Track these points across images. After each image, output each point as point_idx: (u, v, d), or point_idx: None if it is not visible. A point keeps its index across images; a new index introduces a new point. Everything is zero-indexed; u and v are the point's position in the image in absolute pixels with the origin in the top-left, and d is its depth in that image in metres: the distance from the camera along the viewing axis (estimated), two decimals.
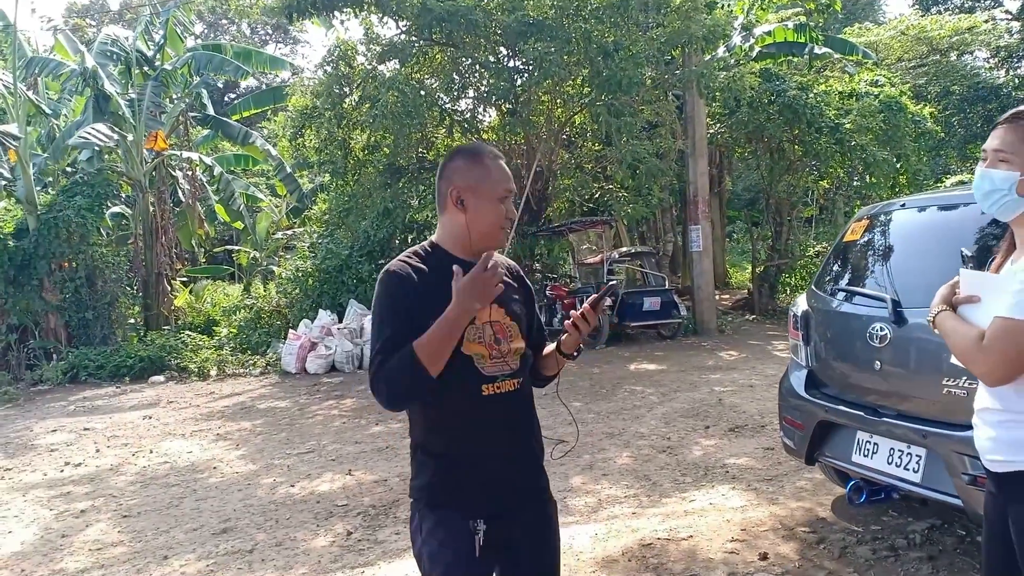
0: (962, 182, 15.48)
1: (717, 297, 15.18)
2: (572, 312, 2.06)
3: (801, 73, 15.73)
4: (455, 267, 1.85)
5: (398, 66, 12.81)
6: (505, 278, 2.06)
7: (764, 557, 3.75)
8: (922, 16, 25.04)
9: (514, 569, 2.01)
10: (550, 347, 2.17)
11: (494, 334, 1.96)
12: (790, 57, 16.08)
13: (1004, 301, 1.81)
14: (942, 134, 17.56)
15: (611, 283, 2.16)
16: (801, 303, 4.33)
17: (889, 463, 3.46)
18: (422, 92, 12.14)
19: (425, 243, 2.03)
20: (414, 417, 2.02)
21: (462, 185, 1.95)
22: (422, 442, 2.00)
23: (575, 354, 2.12)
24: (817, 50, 15.41)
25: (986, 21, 24.70)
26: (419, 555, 1.98)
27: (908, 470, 3.36)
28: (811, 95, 13.92)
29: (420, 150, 13.78)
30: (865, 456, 3.59)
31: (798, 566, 3.65)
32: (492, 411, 1.95)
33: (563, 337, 2.10)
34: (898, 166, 14.75)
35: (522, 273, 2.19)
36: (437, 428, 1.98)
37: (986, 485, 2.06)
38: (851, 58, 16.99)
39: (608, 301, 2.11)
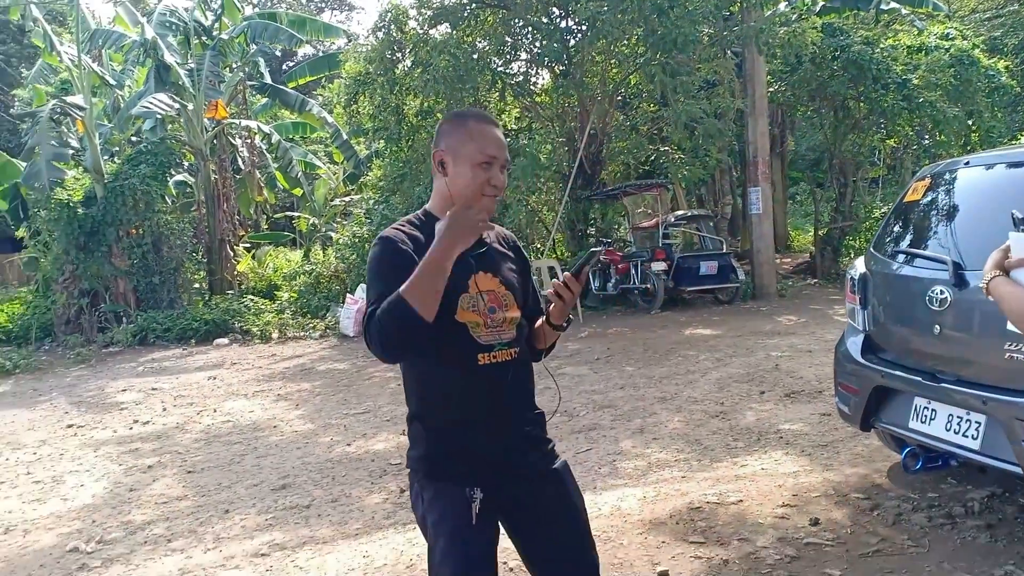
0: None
1: (778, 261, 14.87)
2: (553, 281, 2.02)
3: (867, 27, 15.11)
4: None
5: (449, 30, 12.74)
6: (500, 247, 2.06)
7: (816, 522, 3.70)
8: None
9: (535, 533, 2.01)
10: (540, 319, 2.14)
11: (488, 303, 1.94)
12: (855, 11, 15.44)
13: None
14: (1019, 89, 16.68)
15: (594, 250, 2.09)
16: (859, 266, 4.21)
17: (947, 429, 3.36)
18: (474, 56, 12.07)
19: (419, 211, 2.02)
20: (409, 387, 2.01)
21: (444, 148, 1.94)
22: (417, 413, 2.00)
23: (564, 325, 2.08)
24: (884, 4, 14.76)
25: None
26: (422, 523, 1.99)
27: (967, 437, 3.26)
28: (877, 50, 13.36)
29: None
30: (922, 422, 3.49)
31: (850, 532, 3.59)
32: (487, 380, 1.93)
33: (550, 307, 2.07)
34: (970, 123, 14.09)
35: (517, 243, 2.17)
36: (432, 398, 1.97)
37: None
38: (921, 11, 16.22)
39: (588, 268, 2.04)
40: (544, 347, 2.16)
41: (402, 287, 1.75)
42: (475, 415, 1.94)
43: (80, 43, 13.32)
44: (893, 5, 15.14)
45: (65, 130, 14.54)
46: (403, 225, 1.96)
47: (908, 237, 4.00)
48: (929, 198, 3.95)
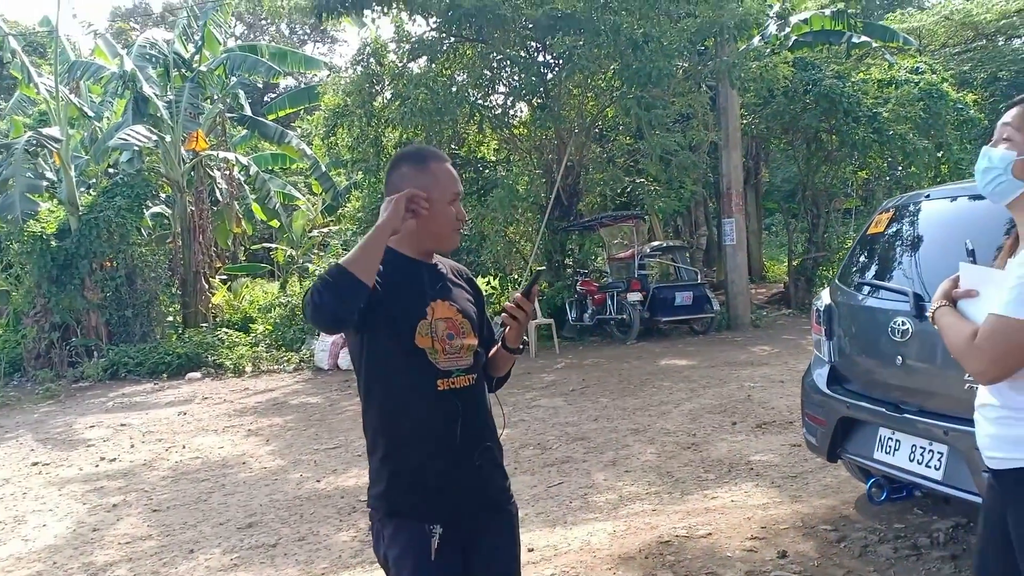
0: None
1: (753, 291, 14.97)
2: (505, 304, 2.06)
3: (839, 62, 15.40)
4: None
5: (428, 63, 12.85)
6: (456, 280, 2.12)
7: (783, 555, 3.69)
8: (967, 0, 24.31)
9: (474, 570, 2.00)
10: (496, 346, 2.17)
11: (447, 329, 1.98)
12: (827, 45, 15.75)
13: (1000, 297, 1.75)
14: (986, 122, 17.03)
15: (540, 269, 2.20)
16: (825, 297, 4.25)
17: (911, 460, 3.37)
18: (452, 89, 12.16)
19: None
20: (369, 421, 2.03)
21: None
22: (376, 447, 2.01)
23: (520, 348, 2.12)
24: (856, 38, 15.06)
25: None
26: (384, 562, 1.99)
27: (930, 467, 3.27)
28: (848, 84, 13.63)
29: (451, 146, 13.80)
30: (887, 453, 3.50)
31: (817, 564, 3.57)
32: (446, 407, 1.95)
33: (505, 330, 2.10)
34: (939, 155, 14.36)
35: (471, 276, 2.23)
36: (392, 429, 1.97)
37: (987, 480, 2.01)
38: (892, 45, 16.58)
39: (537, 288, 2.11)
40: (501, 374, 2.19)
41: (340, 259, 1.83)
42: (434, 444, 1.94)
43: (59, 75, 13.30)
44: (864, 39, 15.47)
45: (42, 162, 14.46)
46: None
47: (872, 269, 4.05)
48: (892, 230, 4.00)
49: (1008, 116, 1.85)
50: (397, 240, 1.99)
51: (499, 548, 2.04)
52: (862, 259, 4.19)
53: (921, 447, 3.32)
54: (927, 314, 2.00)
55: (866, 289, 3.88)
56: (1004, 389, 1.81)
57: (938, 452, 3.25)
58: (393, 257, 1.97)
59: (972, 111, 15.29)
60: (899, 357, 3.41)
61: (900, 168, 14.95)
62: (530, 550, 4.02)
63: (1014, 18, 22.59)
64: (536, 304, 2.06)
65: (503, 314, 2.05)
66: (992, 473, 1.92)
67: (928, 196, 3.87)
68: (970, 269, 1.93)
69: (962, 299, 1.91)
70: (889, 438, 3.49)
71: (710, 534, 4.04)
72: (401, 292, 1.92)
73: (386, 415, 1.97)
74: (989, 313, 1.76)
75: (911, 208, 3.94)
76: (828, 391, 3.91)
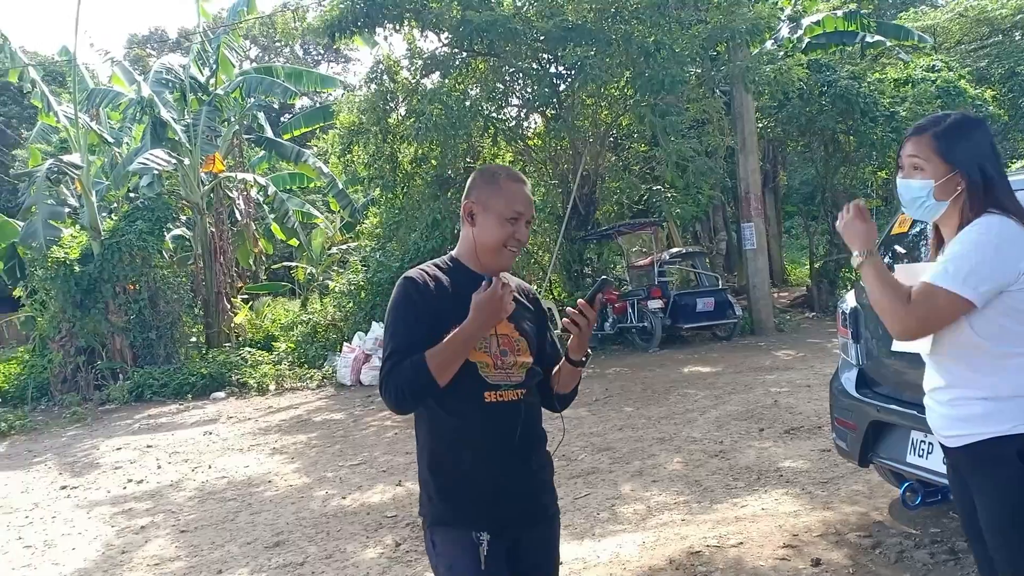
0: None
1: (775, 295, 14.86)
2: (568, 310, 2.06)
3: (853, 62, 15.31)
4: (485, 281, 1.94)
5: (441, 78, 12.91)
6: (519, 298, 2.12)
7: (816, 563, 3.62)
8: None
9: None
10: (561, 361, 2.17)
11: (500, 346, 2.01)
12: (842, 47, 15.67)
13: (932, 268, 1.96)
14: (1006, 117, 16.84)
15: (604, 278, 2.17)
16: (850, 299, 4.19)
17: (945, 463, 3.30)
18: (466, 103, 12.22)
19: (446, 256, 2.11)
20: (419, 431, 2.06)
21: (474, 200, 2.04)
22: (426, 457, 2.04)
23: (584, 359, 2.12)
24: (869, 38, 14.98)
25: None
26: (436, 571, 2.02)
27: None
28: (864, 84, 13.53)
29: (467, 160, 13.84)
30: (920, 456, 3.44)
31: (852, 572, 3.51)
32: (494, 419, 1.98)
33: (568, 342, 2.12)
34: None
35: (536, 296, 2.25)
36: (441, 439, 2.01)
37: (947, 465, 2.13)
38: (907, 43, 16.47)
39: (601, 296, 2.10)
40: (566, 391, 2.19)
41: (428, 352, 1.87)
42: (482, 454, 1.98)
43: (78, 103, 13.49)
44: (878, 39, 15.37)
45: (64, 189, 14.66)
46: (428, 267, 2.06)
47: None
48: (917, 230, 3.94)
49: (911, 148, 2.06)
50: (464, 252, 2.07)
51: (539, 557, 2.08)
52: (887, 260, 4.12)
53: None
54: (853, 261, 2.09)
55: None
56: (955, 369, 1.98)
57: (932, 431, 3.18)
58: (459, 270, 2.04)
59: (991, 107, 15.10)
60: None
61: None
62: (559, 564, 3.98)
63: None
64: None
65: (566, 320, 2.04)
66: (949, 453, 2.06)
67: None
68: (907, 268, 2.15)
69: (900, 271, 2.11)
70: (922, 441, 3.43)
71: (741, 543, 3.98)
72: (462, 307, 1.92)
73: (435, 427, 2.01)
74: (921, 280, 1.95)
75: None
76: (857, 395, 3.84)
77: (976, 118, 2.15)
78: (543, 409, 2.17)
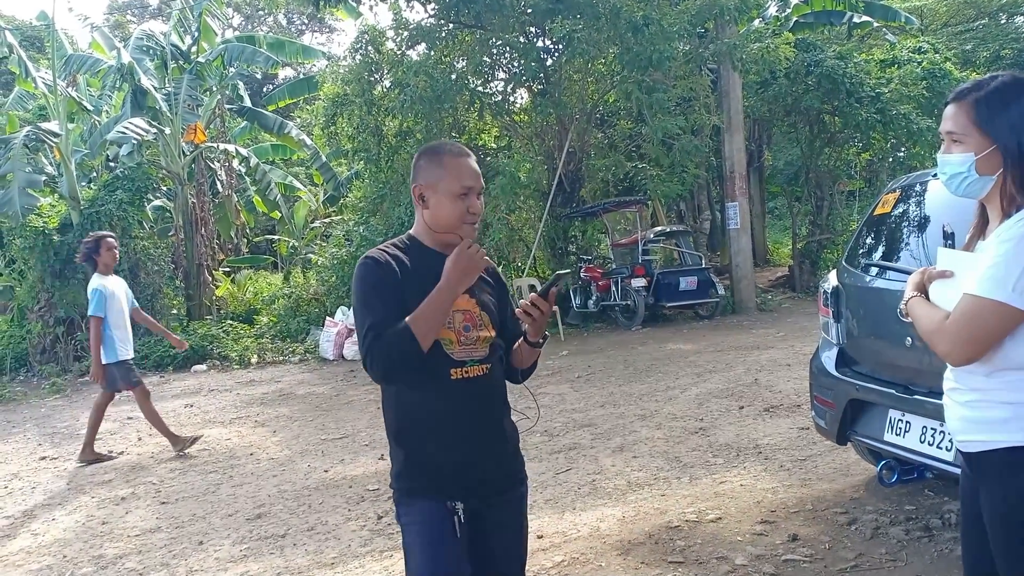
0: None
1: (757, 274, 14.93)
2: (521, 302, 2.10)
3: (840, 42, 15.30)
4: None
5: (427, 50, 12.77)
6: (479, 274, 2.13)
7: (794, 539, 3.68)
8: None
9: (481, 553, 2.07)
10: (520, 340, 2.21)
11: (464, 321, 2.05)
12: (828, 26, 15.64)
13: (973, 277, 1.75)
14: None
15: (560, 272, 2.16)
16: (832, 279, 4.22)
17: (922, 441, 3.35)
18: (452, 76, 12.10)
19: (403, 236, 2.14)
20: (387, 405, 2.10)
21: (423, 183, 2.06)
22: (394, 431, 2.08)
23: (540, 341, 2.16)
24: (857, 18, 14.96)
25: None
26: (405, 543, 2.06)
27: (941, 448, 3.25)
28: (850, 64, 13.53)
29: (452, 134, 13.75)
30: (897, 435, 3.48)
31: (828, 547, 3.57)
32: (460, 395, 2.02)
33: (525, 327, 2.16)
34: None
35: (496, 269, 2.26)
36: (408, 414, 2.05)
37: (960, 466, 2.00)
38: (893, 24, 16.47)
39: (556, 289, 2.12)
40: (524, 366, 2.23)
41: (408, 319, 1.90)
42: (449, 429, 2.01)
43: (56, 69, 13.24)
44: (865, 19, 15.35)
45: (42, 157, 14.41)
46: (387, 247, 2.08)
47: (879, 250, 4.02)
48: (899, 211, 3.97)
49: (948, 123, 1.87)
50: (420, 232, 2.10)
51: (506, 527, 2.12)
52: (869, 240, 4.15)
53: (932, 428, 3.30)
54: (900, 307, 1.99)
55: (874, 270, 3.85)
56: (973, 371, 1.80)
57: (949, 433, 3.23)
58: (417, 248, 2.07)
59: None
60: (908, 338, 3.38)
61: (904, 149, 14.87)
62: (539, 536, 4.02)
63: None
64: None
65: (517, 310, 2.09)
66: (965, 457, 1.92)
67: (935, 176, 3.82)
68: (948, 254, 1.93)
69: (936, 284, 1.90)
70: (899, 420, 3.47)
71: (719, 518, 4.04)
72: (423, 284, 1.95)
73: (401, 402, 2.05)
74: (964, 293, 1.75)
75: (917, 188, 3.91)
76: (837, 373, 3.89)
77: None
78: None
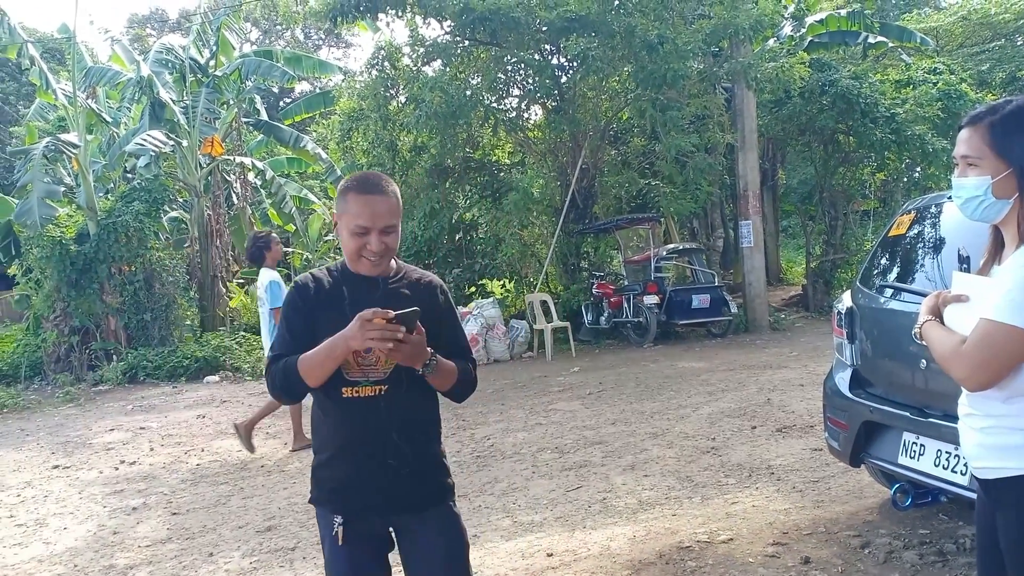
0: None
1: (770, 293, 14.88)
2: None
3: (855, 62, 15.31)
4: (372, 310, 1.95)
5: (442, 66, 12.87)
6: (404, 292, 2.16)
7: (806, 561, 3.65)
8: (985, 0, 24.10)
9: (411, 570, 2.21)
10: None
11: None
12: (843, 46, 15.66)
13: (990, 302, 1.75)
14: None
15: (408, 310, 1.95)
16: (846, 300, 4.20)
17: (936, 465, 3.32)
18: (467, 92, 12.18)
19: (339, 261, 2.24)
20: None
21: (336, 213, 2.18)
22: (311, 439, 2.28)
23: (420, 370, 2.07)
24: (872, 39, 14.98)
25: None
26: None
27: (956, 472, 3.22)
28: (865, 84, 13.53)
29: (466, 150, 13.83)
30: (911, 458, 3.46)
31: (841, 571, 3.53)
32: (351, 413, 2.11)
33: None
34: None
35: (437, 288, 2.26)
36: (315, 427, 2.22)
37: (976, 492, 1.99)
38: (908, 45, 16.46)
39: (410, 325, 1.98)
40: (442, 390, 2.20)
41: (300, 357, 2.03)
42: (339, 444, 2.13)
43: (76, 81, 13.42)
44: (881, 40, 15.36)
45: (60, 167, 14.58)
46: (319, 271, 2.21)
47: (894, 271, 4.00)
48: (914, 232, 3.96)
49: (962, 147, 1.86)
50: (346, 257, 2.20)
51: (426, 546, 2.17)
52: (883, 261, 4.14)
53: (947, 452, 3.27)
54: (915, 330, 1.98)
55: (888, 292, 3.84)
56: (989, 397, 1.80)
57: (964, 457, 3.20)
58: (341, 273, 2.19)
59: None
60: (923, 360, 3.36)
61: (919, 169, 14.83)
62: (549, 555, 4.00)
63: None
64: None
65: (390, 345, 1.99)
66: (981, 484, 1.91)
67: (950, 198, 3.81)
68: (963, 278, 1.93)
69: (951, 308, 1.90)
70: (914, 442, 3.45)
71: (731, 539, 4.01)
72: (340, 310, 2.05)
73: (313, 418, 2.22)
74: (980, 318, 1.75)
75: (933, 210, 3.89)
76: (850, 395, 3.86)
77: None
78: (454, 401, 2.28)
